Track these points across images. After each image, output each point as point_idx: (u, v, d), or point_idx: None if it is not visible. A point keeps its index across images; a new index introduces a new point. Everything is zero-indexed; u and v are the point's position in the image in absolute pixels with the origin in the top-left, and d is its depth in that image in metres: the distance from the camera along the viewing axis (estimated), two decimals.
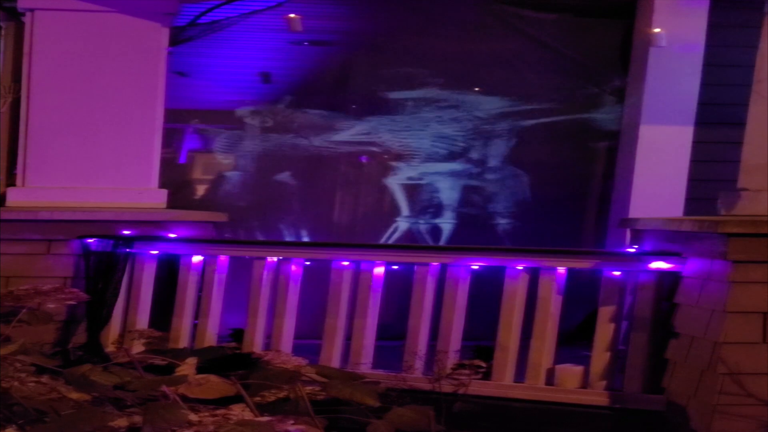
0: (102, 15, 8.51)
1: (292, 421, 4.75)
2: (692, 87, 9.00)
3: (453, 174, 9.84)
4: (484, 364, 6.99)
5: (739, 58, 8.42)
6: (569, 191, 9.78)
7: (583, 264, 7.15)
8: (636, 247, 7.34)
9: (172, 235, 8.23)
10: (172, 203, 8.79)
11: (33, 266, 8.08)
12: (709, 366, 6.41)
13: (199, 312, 8.01)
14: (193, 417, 5.03)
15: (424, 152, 9.83)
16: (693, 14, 8.92)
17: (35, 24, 8.52)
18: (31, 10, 8.52)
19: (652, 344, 6.85)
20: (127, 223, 8.19)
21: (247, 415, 5.20)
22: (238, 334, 7.95)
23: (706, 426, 6.35)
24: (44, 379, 5.70)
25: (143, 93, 8.62)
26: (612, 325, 6.98)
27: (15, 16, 8.67)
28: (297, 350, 7.20)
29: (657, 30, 8.93)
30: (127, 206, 8.46)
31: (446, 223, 9.82)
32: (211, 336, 7.93)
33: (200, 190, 10.03)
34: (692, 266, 6.75)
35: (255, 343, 7.73)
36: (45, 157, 8.52)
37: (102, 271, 8.04)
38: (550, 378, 7.05)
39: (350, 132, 9.83)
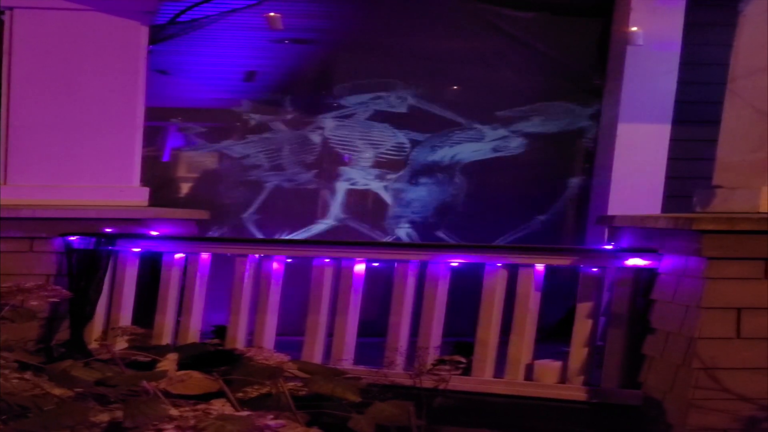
0: (81, 13, 8.53)
1: (272, 416, 4.77)
2: (669, 85, 9.06)
3: (433, 171, 9.88)
4: (464, 360, 7.01)
5: (716, 57, 8.48)
6: (548, 189, 9.83)
7: (561, 261, 7.21)
8: (613, 244, 7.41)
9: (154, 233, 8.26)
10: (155, 201, 8.82)
11: (16, 264, 8.09)
12: (684, 361, 6.47)
13: (181, 309, 8.06)
14: (173, 412, 5.05)
15: (402, 149, 9.87)
16: (670, 13, 8.97)
17: (14, 22, 8.53)
18: (10, 9, 8.53)
19: (629, 340, 6.91)
20: (110, 221, 8.22)
21: (228, 410, 5.22)
22: (220, 331, 7.99)
23: (682, 420, 6.40)
24: (27, 375, 5.70)
25: (124, 91, 8.64)
26: (590, 321, 7.04)
27: None
28: (279, 347, 7.25)
29: (634, 29, 8.98)
30: (109, 204, 8.48)
31: (425, 223, 9.87)
32: (193, 333, 7.97)
33: (183, 188, 10.06)
34: (668, 263, 6.80)
35: (237, 339, 7.78)
36: (26, 156, 8.54)
37: (85, 268, 8.07)
38: (529, 373, 7.12)
39: (331, 130, 9.86)
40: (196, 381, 5.66)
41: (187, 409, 5.15)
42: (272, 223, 9.80)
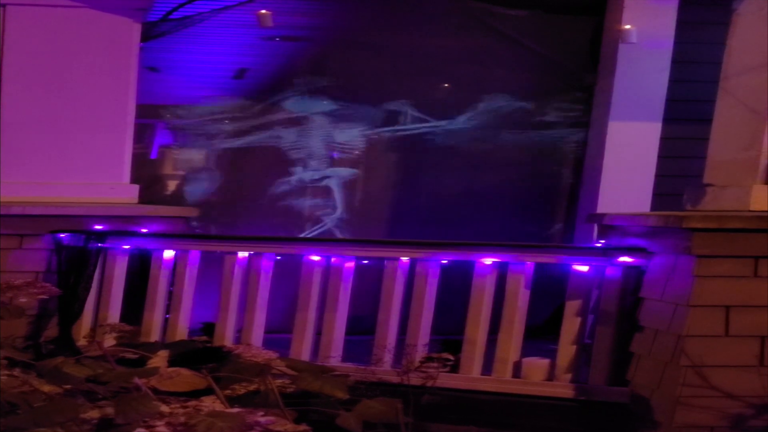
0: (74, 10, 8.53)
1: (261, 413, 4.78)
2: (661, 83, 9.06)
3: (422, 169, 9.89)
4: (452, 357, 7.03)
5: (708, 55, 8.49)
6: (539, 186, 9.83)
7: (551, 259, 7.20)
8: (603, 241, 7.41)
9: (143, 230, 8.25)
10: (144, 198, 8.82)
11: (5, 261, 8.07)
12: (672, 359, 6.48)
13: (170, 306, 8.05)
14: (164, 408, 5.06)
15: (395, 147, 9.88)
16: (662, 11, 8.98)
17: (7, 19, 8.52)
18: (3, 6, 8.52)
19: (617, 338, 6.91)
20: (99, 218, 8.20)
21: (218, 406, 5.24)
22: (209, 328, 7.99)
23: (669, 417, 6.42)
24: (16, 372, 5.72)
25: (115, 88, 8.64)
26: (578, 319, 7.04)
27: None
28: (267, 344, 7.23)
29: (627, 27, 8.99)
30: (99, 201, 8.47)
31: (410, 221, 9.87)
32: (182, 330, 7.96)
33: (172, 185, 10.04)
34: (657, 261, 6.80)
35: (226, 336, 7.77)
36: (18, 153, 8.52)
37: (74, 265, 8.05)
38: (517, 371, 7.12)
39: (321, 127, 9.86)
40: (186, 378, 5.68)
41: (177, 405, 5.18)
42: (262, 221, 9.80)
